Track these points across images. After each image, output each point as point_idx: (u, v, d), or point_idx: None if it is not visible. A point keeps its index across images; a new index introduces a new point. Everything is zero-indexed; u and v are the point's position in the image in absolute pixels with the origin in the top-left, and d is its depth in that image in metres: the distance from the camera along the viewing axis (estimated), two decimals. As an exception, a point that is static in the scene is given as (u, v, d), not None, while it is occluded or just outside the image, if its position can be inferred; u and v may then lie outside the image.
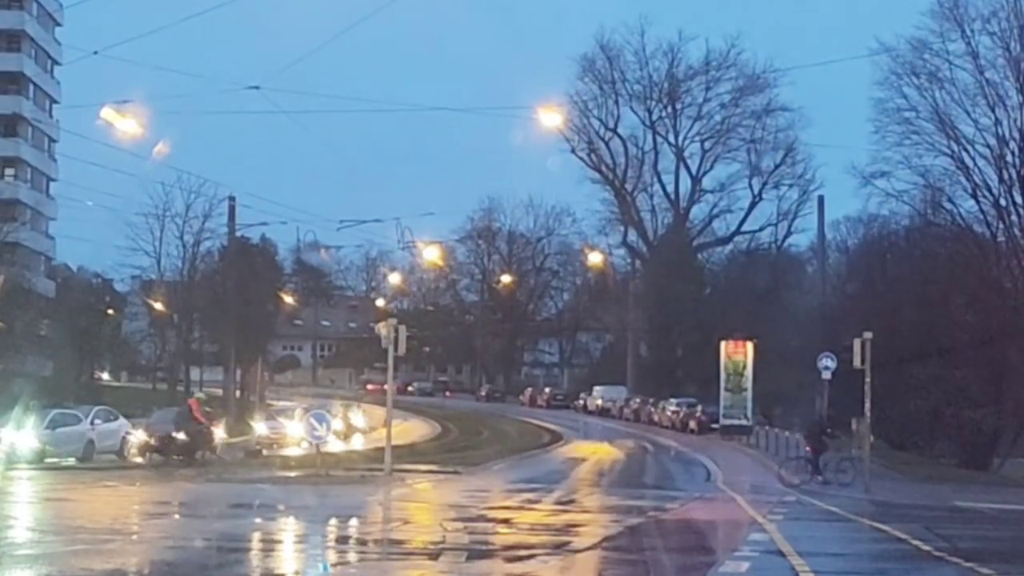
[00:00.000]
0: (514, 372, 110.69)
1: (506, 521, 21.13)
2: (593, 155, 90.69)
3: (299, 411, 51.46)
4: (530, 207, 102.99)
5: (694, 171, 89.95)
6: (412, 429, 64.47)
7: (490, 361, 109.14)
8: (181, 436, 35.56)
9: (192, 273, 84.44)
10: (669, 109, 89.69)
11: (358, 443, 52.78)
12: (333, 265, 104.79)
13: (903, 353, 45.69)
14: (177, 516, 22.43)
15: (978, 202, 50.79)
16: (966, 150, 50.27)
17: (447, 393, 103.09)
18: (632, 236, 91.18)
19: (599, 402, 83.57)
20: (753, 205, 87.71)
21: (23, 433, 36.88)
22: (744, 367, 60.39)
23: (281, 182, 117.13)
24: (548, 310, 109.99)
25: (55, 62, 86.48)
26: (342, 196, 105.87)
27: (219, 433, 38.97)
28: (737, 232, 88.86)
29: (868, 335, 35.16)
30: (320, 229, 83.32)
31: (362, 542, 18.37)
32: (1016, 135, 49.52)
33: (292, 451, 45.62)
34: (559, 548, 16.95)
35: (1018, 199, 49.84)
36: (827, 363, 41.52)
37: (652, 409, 72.68)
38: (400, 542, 18.32)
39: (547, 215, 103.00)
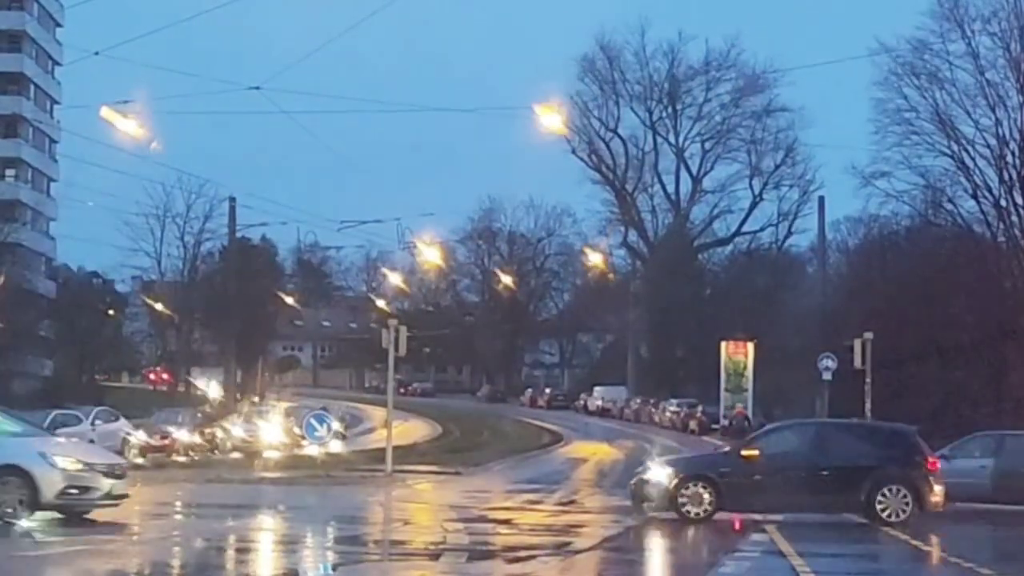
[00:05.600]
0: (515, 373, 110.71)
1: (507, 522, 21.14)
2: (593, 155, 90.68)
3: (277, 414, 51.00)
4: (530, 207, 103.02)
5: (694, 171, 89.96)
6: (413, 430, 64.50)
7: (491, 362, 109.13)
8: None
9: (193, 274, 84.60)
10: (669, 109, 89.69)
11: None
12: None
13: (903, 353, 45.72)
14: (178, 516, 22.45)
15: (978, 202, 50.83)
16: (966, 151, 50.32)
17: (402, 390, 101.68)
18: (632, 236, 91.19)
19: (599, 402, 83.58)
20: (753, 206, 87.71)
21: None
22: (744, 367, 60.48)
23: (281, 182, 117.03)
24: (549, 311, 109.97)
25: (56, 62, 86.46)
26: (342, 196, 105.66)
27: None
28: (737, 232, 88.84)
29: (868, 335, 35.26)
30: (320, 229, 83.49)
31: (363, 542, 18.38)
32: (1016, 135, 49.56)
33: (268, 455, 45.14)
34: (560, 548, 16.98)
35: (1018, 199, 49.86)
36: (827, 363, 41.55)
37: (652, 409, 72.69)
38: (401, 542, 18.34)
39: (547, 215, 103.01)
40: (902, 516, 21.18)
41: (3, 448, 18.49)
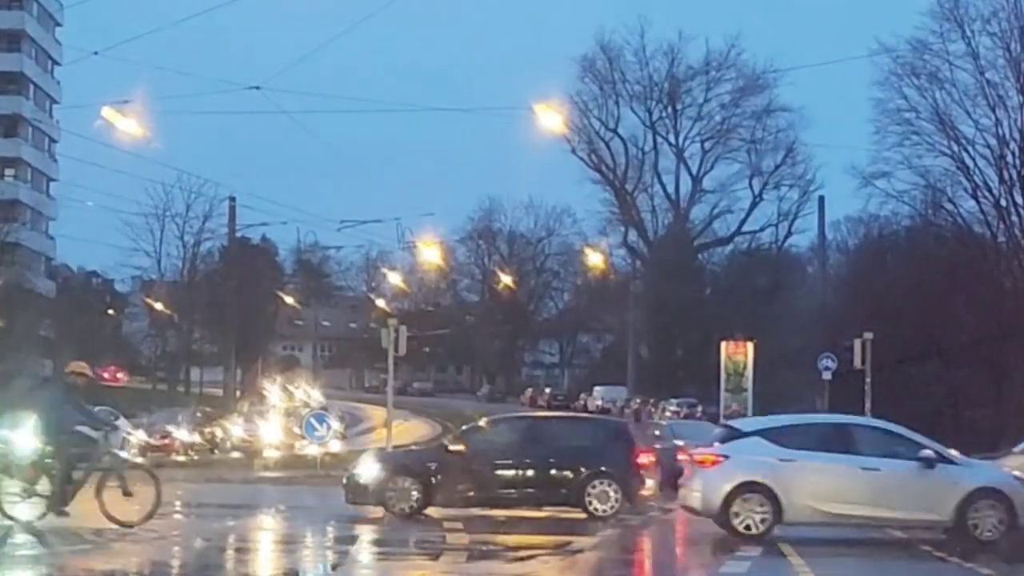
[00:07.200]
0: (515, 372, 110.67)
1: (507, 521, 21.13)
2: (593, 155, 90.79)
3: (278, 413, 51.07)
4: (530, 207, 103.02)
5: (694, 171, 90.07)
6: (413, 429, 64.49)
7: (491, 361, 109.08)
8: None
9: (192, 273, 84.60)
10: (669, 109, 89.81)
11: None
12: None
13: (903, 353, 45.77)
14: (178, 516, 22.43)
15: (978, 202, 50.90)
16: (966, 151, 50.40)
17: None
18: (632, 236, 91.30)
19: (599, 402, 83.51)
20: (753, 205, 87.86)
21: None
22: (744, 367, 60.31)
23: (281, 182, 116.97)
24: (549, 310, 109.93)
25: (55, 62, 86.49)
26: (342, 196, 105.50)
27: None
28: (737, 232, 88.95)
29: (868, 335, 35.28)
30: (320, 229, 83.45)
31: (363, 542, 18.37)
32: (1016, 135, 49.61)
33: (268, 454, 45.26)
34: (559, 548, 16.97)
35: (1018, 199, 49.92)
36: (827, 363, 41.52)
37: (652, 409, 72.70)
38: (401, 542, 18.32)
39: (547, 215, 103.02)
40: (612, 510, 21.24)
41: (980, 471, 19.69)
